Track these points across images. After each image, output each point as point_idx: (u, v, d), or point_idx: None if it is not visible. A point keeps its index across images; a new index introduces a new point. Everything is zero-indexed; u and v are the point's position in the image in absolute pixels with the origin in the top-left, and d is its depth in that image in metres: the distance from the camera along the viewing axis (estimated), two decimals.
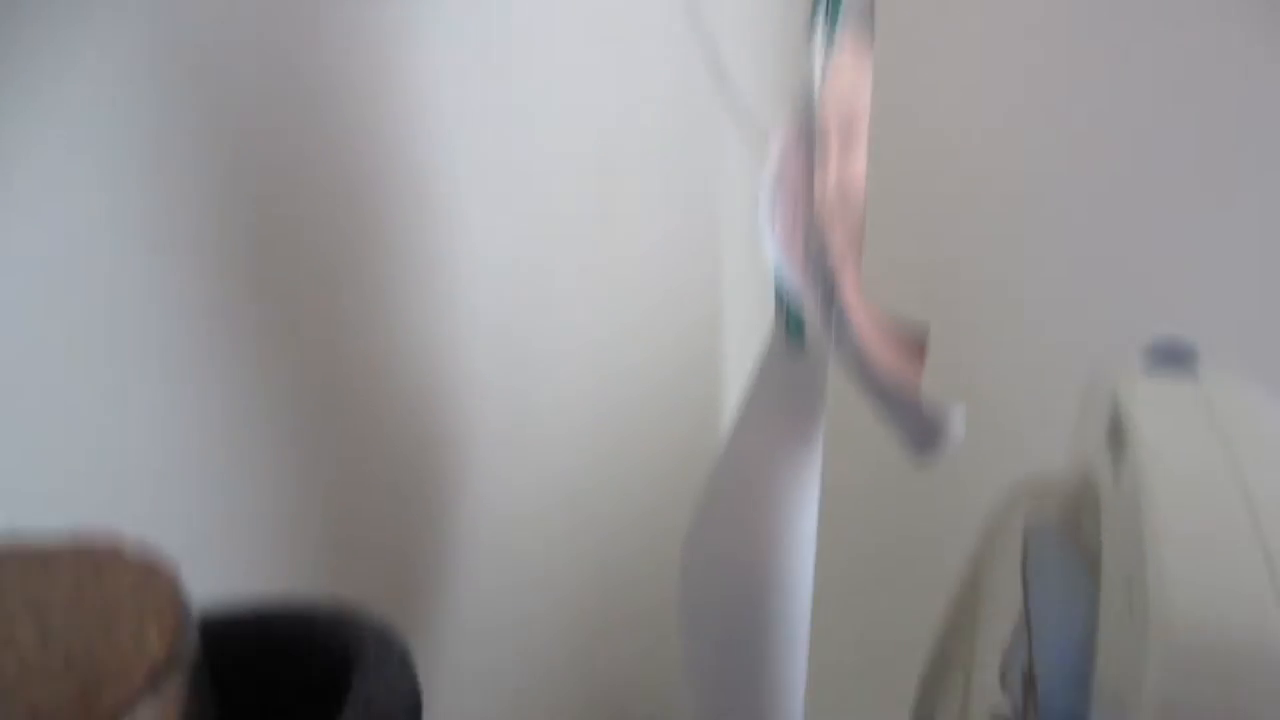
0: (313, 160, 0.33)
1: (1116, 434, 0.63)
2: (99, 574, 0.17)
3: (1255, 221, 1.18)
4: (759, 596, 0.36)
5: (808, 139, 0.32)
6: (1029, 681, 0.47)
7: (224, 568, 0.30)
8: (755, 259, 1.00)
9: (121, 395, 0.27)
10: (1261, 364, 0.85)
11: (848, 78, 0.37)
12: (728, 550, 0.37)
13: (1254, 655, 0.36)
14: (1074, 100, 1.22)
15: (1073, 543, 0.57)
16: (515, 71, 0.46)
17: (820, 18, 0.56)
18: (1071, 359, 0.96)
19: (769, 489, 0.35)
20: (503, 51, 0.45)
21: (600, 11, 0.56)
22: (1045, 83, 1.25)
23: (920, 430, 0.29)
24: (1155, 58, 1.18)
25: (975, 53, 1.26)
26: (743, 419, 0.36)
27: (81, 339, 0.26)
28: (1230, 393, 0.61)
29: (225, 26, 0.29)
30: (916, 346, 0.32)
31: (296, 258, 0.33)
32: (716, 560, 0.37)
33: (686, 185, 0.74)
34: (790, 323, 0.36)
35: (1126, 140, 1.22)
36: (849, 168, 0.33)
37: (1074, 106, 1.22)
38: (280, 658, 0.21)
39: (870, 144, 0.36)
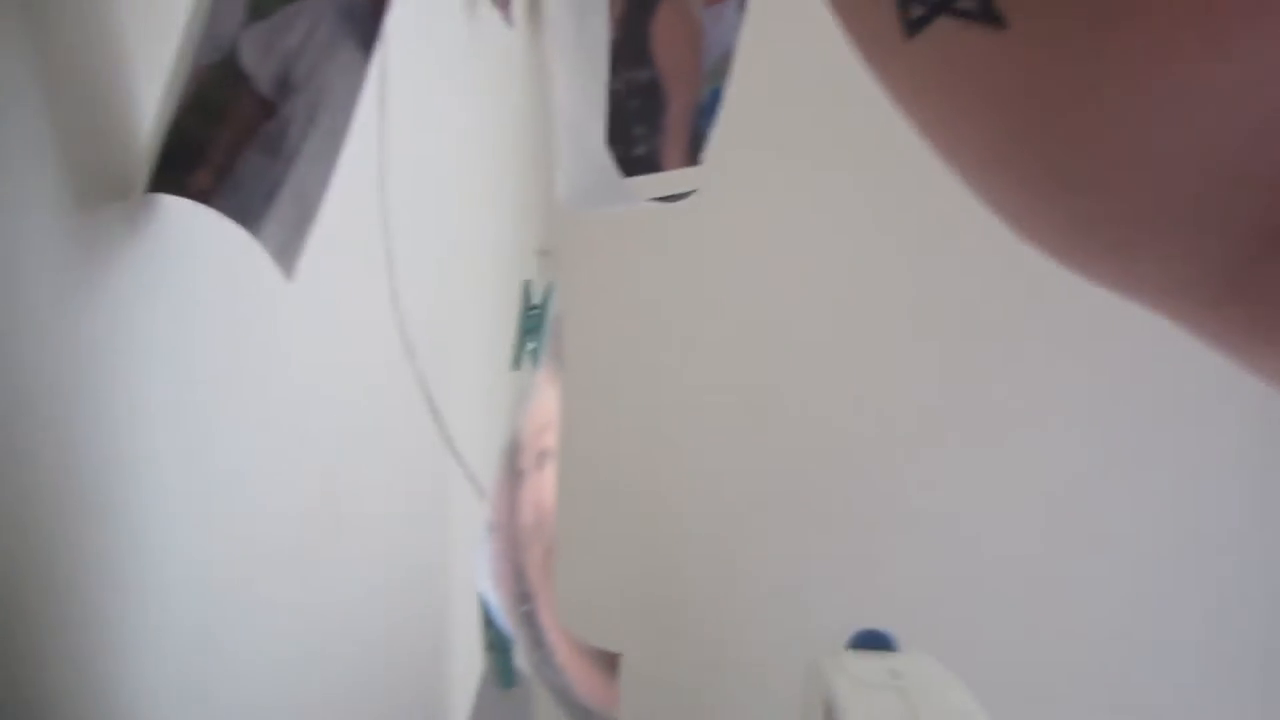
0: None
1: (830, 716, 0.70)
2: None
3: (949, 527, 1.31)
4: None
5: (514, 473, 0.34)
6: None
7: None
8: (477, 602, 0.99)
9: None
10: (952, 649, 0.92)
11: (544, 406, 0.40)
12: None
13: None
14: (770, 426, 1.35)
15: None
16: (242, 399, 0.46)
17: (525, 352, 0.60)
18: (790, 655, 1.00)
19: None
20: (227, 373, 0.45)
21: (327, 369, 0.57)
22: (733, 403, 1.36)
23: None
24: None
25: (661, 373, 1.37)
26: None
27: None
28: (922, 673, 0.73)
29: None
30: (610, 666, 0.32)
31: None
32: None
33: (412, 521, 0.74)
34: (500, 663, 0.36)
35: (830, 465, 1.35)
36: (542, 488, 0.34)
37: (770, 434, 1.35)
38: None
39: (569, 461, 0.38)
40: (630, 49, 0.55)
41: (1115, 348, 1.18)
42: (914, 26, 0.25)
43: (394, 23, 0.36)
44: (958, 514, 1.33)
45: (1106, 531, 1.31)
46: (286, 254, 0.30)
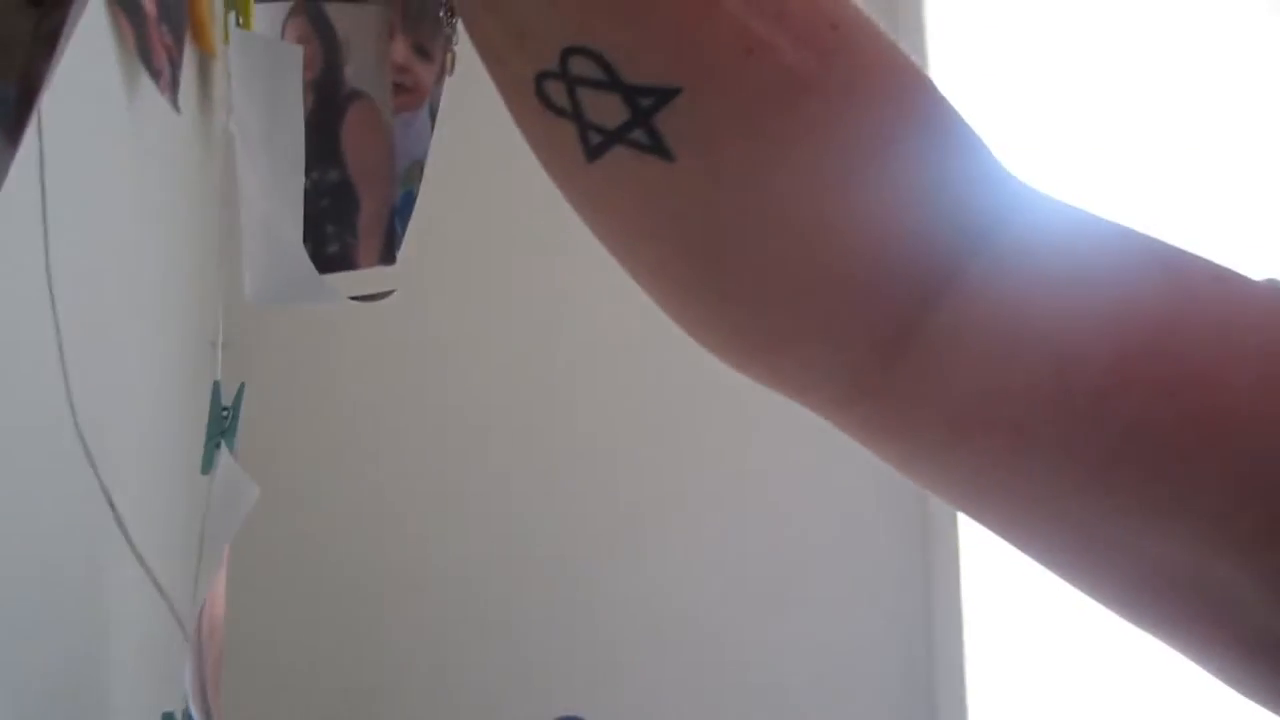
0: None
1: None
2: None
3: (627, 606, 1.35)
4: None
5: (202, 598, 0.32)
6: None
7: None
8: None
9: None
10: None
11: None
12: None
13: None
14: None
15: None
16: None
17: (215, 455, 0.58)
18: None
19: None
20: None
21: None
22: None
23: None
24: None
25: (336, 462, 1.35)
26: None
27: None
28: None
29: None
30: None
31: None
32: None
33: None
34: None
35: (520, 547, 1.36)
36: (215, 595, 0.33)
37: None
38: None
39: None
40: (319, 149, 0.55)
41: (786, 431, 1.27)
42: (594, 152, 0.28)
43: (48, 104, 0.34)
44: (646, 599, 1.37)
45: (791, 610, 1.39)
46: None
